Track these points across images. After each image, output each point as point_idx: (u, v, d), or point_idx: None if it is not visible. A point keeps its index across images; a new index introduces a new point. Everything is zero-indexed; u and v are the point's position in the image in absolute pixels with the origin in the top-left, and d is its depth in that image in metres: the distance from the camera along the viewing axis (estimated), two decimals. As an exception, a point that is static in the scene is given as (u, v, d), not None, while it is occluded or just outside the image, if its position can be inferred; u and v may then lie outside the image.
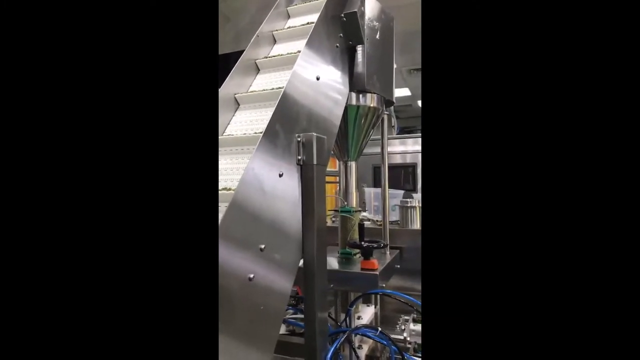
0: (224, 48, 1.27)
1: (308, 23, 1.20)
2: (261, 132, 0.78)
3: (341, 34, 1.20)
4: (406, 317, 1.52)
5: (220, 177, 0.91)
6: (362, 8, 1.26)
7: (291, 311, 1.40)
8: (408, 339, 1.30)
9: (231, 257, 0.67)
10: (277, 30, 1.24)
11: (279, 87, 0.99)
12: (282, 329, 1.33)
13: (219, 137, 0.98)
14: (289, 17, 1.31)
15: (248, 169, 0.72)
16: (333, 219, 1.71)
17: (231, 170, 0.92)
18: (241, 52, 1.10)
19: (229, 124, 1.04)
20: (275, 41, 1.24)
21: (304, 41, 1.00)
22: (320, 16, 1.08)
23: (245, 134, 0.98)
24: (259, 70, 1.15)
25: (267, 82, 1.11)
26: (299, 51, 0.99)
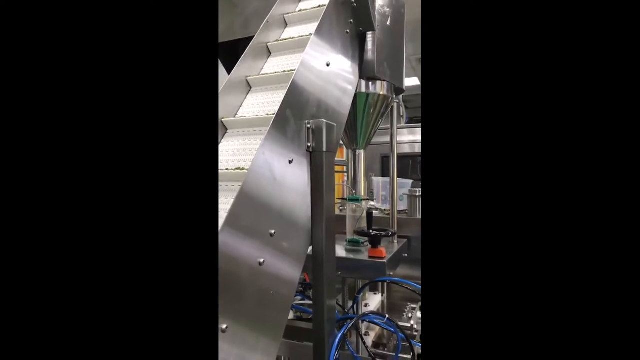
0: (233, 34, 1.26)
1: (319, 6, 1.18)
2: (273, 114, 0.78)
3: (351, 20, 1.18)
4: (413, 306, 1.53)
5: (233, 158, 0.93)
6: (373, -7, 1.24)
7: (299, 297, 1.41)
8: (415, 326, 1.31)
9: (242, 242, 0.68)
10: (288, 13, 1.22)
11: (291, 70, 0.99)
12: (290, 315, 1.34)
13: (232, 119, 0.98)
14: (299, 0, 1.30)
15: (258, 154, 0.72)
16: (340, 207, 1.71)
17: (244, 151, 0.93)
18: (251, 37, 1.09)
19: (241, 106, 1.04)
20: (286, 24, 1.22)
21: (316, 24, 0.99)
22: (331, 1, 1.07)
23: (257, 115, 0.98)
24: (270, 53, 1.14)
25: (279, 64, 1.10)
26: (311, 34, 0.98)
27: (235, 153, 0.93)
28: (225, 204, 0.83)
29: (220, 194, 0.85)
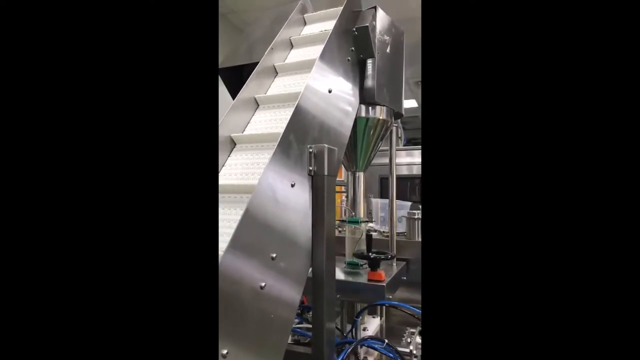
0: (237, 60, 1.30)
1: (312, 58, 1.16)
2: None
3: (352, 48, 1.22)
4: (412, 330, 1.51)
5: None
6: (374, 22, 1.28)
7: (296, 320, 1.40)
8: (414, 352, 1.29)
9: (244, 266, 0.68)
10: (278, 63, 1.23)
11: (275, 132, 0.93)
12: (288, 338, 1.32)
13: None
14: (290, 48, 1.32)
15: (262, 179, 0.74)
16: (339, 229, 1.71)
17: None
18: (255, 63, 1.13)
19: (223, 165, 1.02)
20: (276, 73, 1.23)
21: (307, 74, 0.99)
22: (333, 29, 1.11)
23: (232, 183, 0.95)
24: (258, 105, 1.13)
25: (267, 120, 1.09)
26: (298, 94, 0.95)
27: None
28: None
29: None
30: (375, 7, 1.30)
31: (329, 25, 1.19)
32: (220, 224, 0.85)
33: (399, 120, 1.72)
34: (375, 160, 1.57)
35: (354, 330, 1.30)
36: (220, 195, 0.90)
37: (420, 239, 1.79)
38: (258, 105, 1.12)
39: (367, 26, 1.21)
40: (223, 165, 1.00)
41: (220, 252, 0.64)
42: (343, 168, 1.58)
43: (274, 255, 0.76)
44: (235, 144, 1.03)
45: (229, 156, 1.02)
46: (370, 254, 1.28)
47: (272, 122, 1.06)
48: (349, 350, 1.04)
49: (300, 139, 0.88)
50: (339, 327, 1.39)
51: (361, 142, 1.41)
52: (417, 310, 1.22)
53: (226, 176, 0.97)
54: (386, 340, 1.14)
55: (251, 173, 0.94)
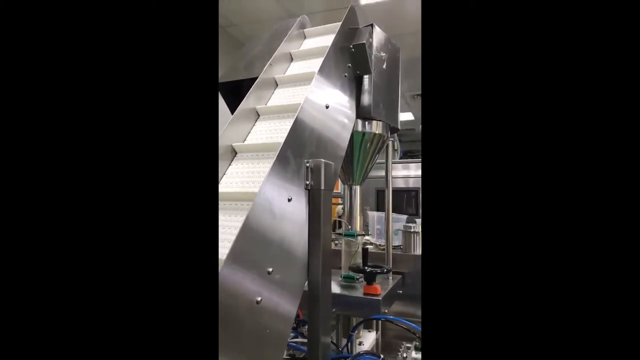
0: (236, 75, 1.33)
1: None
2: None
3: (349, 64, 1.25)
4: (408, 345, 1.50)
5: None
6: (370, 39, 1.31)
7: (292, 334, 1.39)
8: (410, 367, 1.28)
9: (241, 280, 0.68)
10: (278, 76, 1.25)
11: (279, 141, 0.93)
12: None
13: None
14: (291, 61, 1.35)
15: (260, 194, 0.75)
16: (336, 242, 1.71)
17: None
18: (253, 79, 1.14)
19: (226, 173, 1.04)
20: (276, 85, 1.25)
21: (307, 87, 1.02)
22: (331, 46, 1.13)
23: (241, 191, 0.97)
24: (258, 116, 1.16)
25: (269, 129, 1.11)
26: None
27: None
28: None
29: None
30: (372, 25, 1.34)
31: (328, 40, 1.22)
32: (222, 230, 0.86)
33: (396, 135, 1.75)
34: (372, 173, 1.58)
35: (349, 344, 1.29)
36: (221, 203, 0.92)
37: (416, 252, 1.80)
38: (258, 116, 1.15)
39: (364, 43, 1.24)
40: (224, 174, 1.01)
41: (222, 257, 0.65)
42: (339, 181, 1.60)
43: (271, 269, 0.76)
44: (236, 153, 1.05)
45: (229, 165, 1.04)
46: (366, 267, 1.28)
47: (272, 132, 1.08)
48: (345, 365, 1.04)
49: (298, 153, 0.90)
50: (334, 341, 1.38)
51: (358, 156, 1.42)
52: (413, 324, 1.22)
53: (227, 184, 0.99)
54: (382, 355, 1.14)
55: (252, 181, 0.96)
